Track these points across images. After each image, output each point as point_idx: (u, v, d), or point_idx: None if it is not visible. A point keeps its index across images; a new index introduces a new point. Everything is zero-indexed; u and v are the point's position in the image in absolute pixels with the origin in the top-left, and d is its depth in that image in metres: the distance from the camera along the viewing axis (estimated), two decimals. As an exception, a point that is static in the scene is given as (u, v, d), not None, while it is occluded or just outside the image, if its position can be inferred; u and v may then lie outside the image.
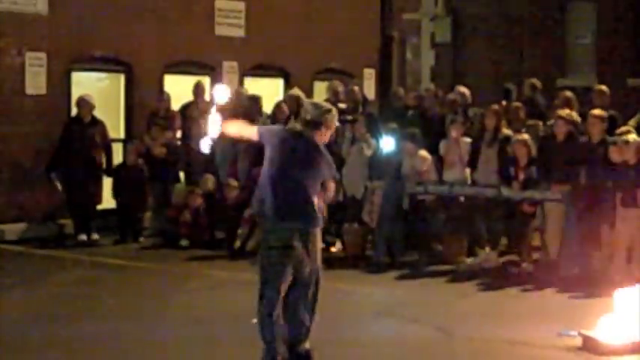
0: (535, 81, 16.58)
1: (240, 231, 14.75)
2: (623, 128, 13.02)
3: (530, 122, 14.52)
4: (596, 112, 13.13)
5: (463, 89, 15.97)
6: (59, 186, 15.46)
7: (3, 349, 9.08)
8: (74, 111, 16.08)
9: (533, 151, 13.35)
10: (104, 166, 15.73)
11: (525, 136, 13.49)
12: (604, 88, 14.96)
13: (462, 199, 14.21)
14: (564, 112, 13.53)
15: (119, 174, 15.74)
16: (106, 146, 15.81)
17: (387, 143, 14.08)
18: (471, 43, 25.26)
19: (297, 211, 8.16)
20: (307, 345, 8.37)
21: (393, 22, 20.78)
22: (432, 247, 14.12)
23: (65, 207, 15.81)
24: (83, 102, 15.63)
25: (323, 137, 8.41)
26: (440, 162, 14.40)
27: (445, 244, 14.11)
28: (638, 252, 12.16)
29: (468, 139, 14.33)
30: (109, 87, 17.72)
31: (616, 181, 12.28)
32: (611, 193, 12.34)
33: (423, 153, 14.11)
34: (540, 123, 14.40)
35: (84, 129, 15.52)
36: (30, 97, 16.07)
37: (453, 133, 14.29)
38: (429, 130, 14.93)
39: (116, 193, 15.78)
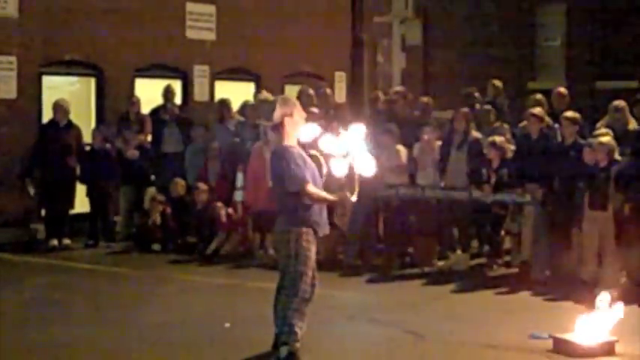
0: (497, 82, 16.43)
1: (217, 236, 14.77)
2: (601, 130, 13.04)
3: (496, 124, 14.58)
4: (569, 114, 13.13)
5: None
6: (31, 191, 15.39)
7: (-25, 355, 9.06)
8: (46, 115, 16.03)
9: (506, 153, 13.41)
10: (78, 171, 15.67)
11: (497, 138, 13.53)
12: (563, 90, 15.01)
13: (433, 201, 14.25)
14: (536, 109, 13.62)
15: (89, 157, 15.69)
16: (81, 151, 15.73)
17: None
18: (441, 45, 25.33)
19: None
20: (283, 351, 8.43)
21: (364, 24, 20.76)
22: (403, 250, 14.15)
23: (37, 212, 15.76)
24: (59, 106, 15.58)
25: (293, 126, 8.57)
26: (414, 165, 14.41)
27: (416, 247, 14.14)
28: (607, 254, 12.22)
29: (439, 142, 14.35)
30: (79, 90, 17.68)
31: (587, 184, 12.33)
32: (582, 196, 12.40)
33: (400, 147, 14.13)
34: (506, 125, 14.46)
35: (59, 133, 15.46)
36: (0, 101, 16.00)
37: (426, 136, 14.28)
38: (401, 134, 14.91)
39: (85, 176, 15.69)
